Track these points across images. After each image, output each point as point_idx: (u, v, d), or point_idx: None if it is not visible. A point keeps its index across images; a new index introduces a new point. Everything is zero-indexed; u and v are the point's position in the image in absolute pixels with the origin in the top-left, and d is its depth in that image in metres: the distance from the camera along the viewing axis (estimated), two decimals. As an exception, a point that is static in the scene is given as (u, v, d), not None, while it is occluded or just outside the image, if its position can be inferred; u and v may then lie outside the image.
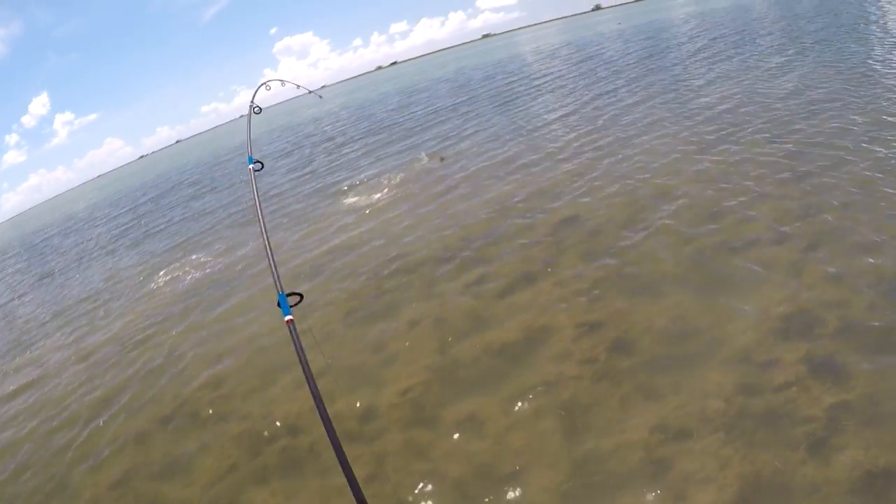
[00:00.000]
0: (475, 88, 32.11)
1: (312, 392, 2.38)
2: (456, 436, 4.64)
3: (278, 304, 2.91)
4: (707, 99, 13.56)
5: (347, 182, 15.39)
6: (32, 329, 12.21)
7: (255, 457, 5.22)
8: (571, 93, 20.11)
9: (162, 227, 19.49)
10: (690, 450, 3.86)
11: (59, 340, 10.57)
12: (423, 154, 15.84)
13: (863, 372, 4.10)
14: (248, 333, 7.74)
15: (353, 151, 20.95)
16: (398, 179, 13.84)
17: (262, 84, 5.36)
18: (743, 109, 11.79)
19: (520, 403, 4.77)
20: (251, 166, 4.29)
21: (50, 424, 7.16)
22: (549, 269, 6.94)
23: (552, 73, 29.34)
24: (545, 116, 17.02)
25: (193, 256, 13.11)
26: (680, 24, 42.46)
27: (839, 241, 5.87)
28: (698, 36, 29.66)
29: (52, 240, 32.26)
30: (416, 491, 4.20)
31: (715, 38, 26.14)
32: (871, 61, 13.54)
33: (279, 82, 5.81)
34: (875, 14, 21.54)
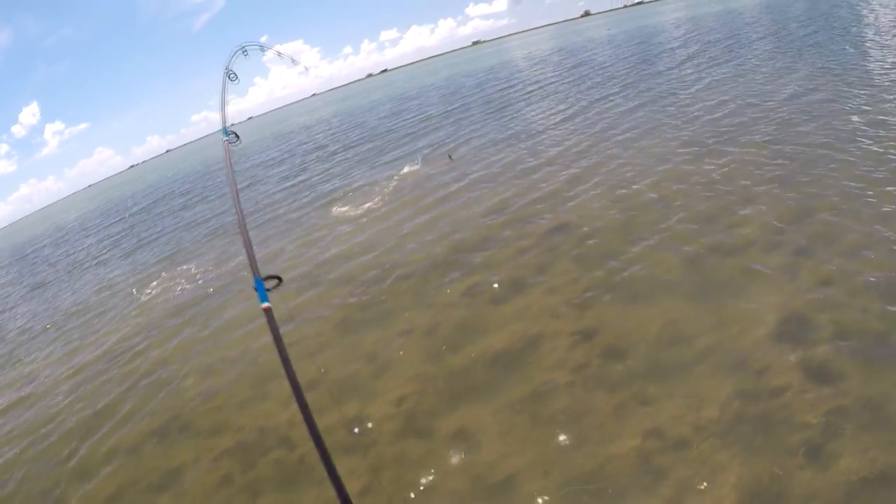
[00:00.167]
0: (467, 95, 32.16)
1: (290, 380, 2.34)
2: (450, 446, 4.60)
3: (255, 290, 2.80)
4: (699, 104, 13.60)
5: (340, 191, 15.35)
6: (25, 342, 12.09)
7: (249, 469, 5.16)
8: (564, 99, 20.14)
9: (153, 237, 19.40)
10: (686, 457, 3.84)
11: (51, 354, 10.46)
12: (419, 157, 15.84)
13: (858, 376, 4.09)
14: (240, 344, 7.69)
15: (345, 160, 20.91)
16: (391, 187, 13.81)
17: (238, 49, 4.94)
18: (735, 114, 11.84)
19: (514, 412, 4.74)
20: (225, 139, 3.92)
21: (43, 439, 7.08)
22: (541, 277, 6.92)
23: (544, 79, 29.42)
24: (538, 123, 17.04)
25: (185, 267, 13.04)
26: (671, 29, 42.69)
27: (833, 245, 5.88)
28: (690, 41, 29.83)
29: (43, 250, 32.05)
30: (411, 503, 4.16)
31: (707, 43, 26.32)
32: (863, 63, 13.67)
33: (258, 48, 5.36)
34: (866, 17, 21.74)
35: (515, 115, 19.67)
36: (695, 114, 12.67)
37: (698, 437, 3.96)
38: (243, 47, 4.98)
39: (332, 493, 2.46)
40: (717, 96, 13.93)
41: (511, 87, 29.87)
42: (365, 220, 11.68)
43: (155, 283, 12.52)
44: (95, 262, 19.12)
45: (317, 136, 36.88)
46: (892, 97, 10.15)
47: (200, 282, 11.34)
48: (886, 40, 16.34)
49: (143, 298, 11.72)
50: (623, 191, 8.99)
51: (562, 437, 4.35)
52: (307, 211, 14.35)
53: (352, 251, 9.90)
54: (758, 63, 17.38)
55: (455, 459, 4.45)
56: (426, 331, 6.48)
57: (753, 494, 3.49)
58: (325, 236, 11.38)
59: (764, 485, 3.52)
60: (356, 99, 78.66)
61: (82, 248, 24.63)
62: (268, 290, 2.83)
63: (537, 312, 6.15)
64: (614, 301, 5.98)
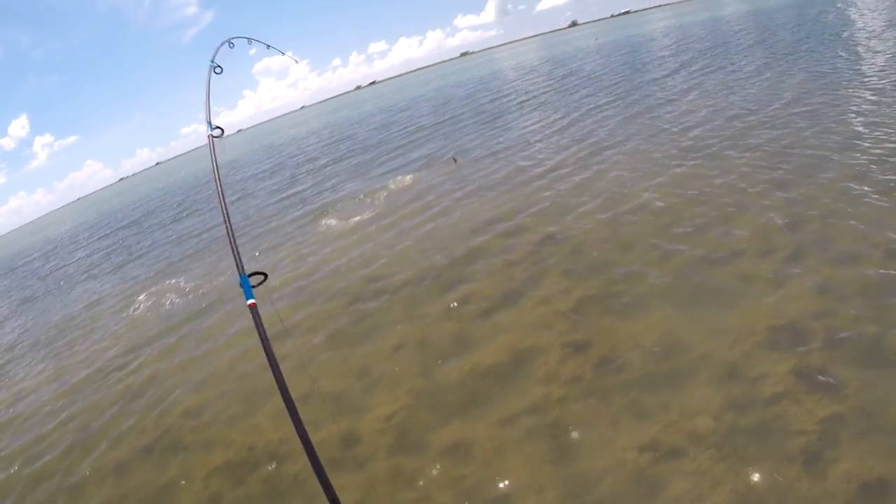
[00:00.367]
0: (457, 107, 32.18)
1: (278, 380, 2.28)
2: (443, 461, 4.54)
3: (241, 286, 2.74)
4: (690, 113, 13.68)
5: (331, 204, 15.27)
6: (14, 358, 11.94)
7: (239, 486, 5.09)
8: (555, 109, 20.17)
9: (144, 250, 19.25)
10: (682, 469, 3.80)
11: (40, 369, 10.33)
12: (415, 168, 15.83)
13: (853, 382, 4.08)
14: (230, 359, 7.61)
15: (336, 172, 20.83)
16: (383, 200, 13.77)
17: (224, 42, 4.80)
18: (722, 123, 11.91)
19: (507, 426, 4.69)
20: (210, 133, 3.76)
21: (31, 457, 6.95)
22: (532, 289, 6.89)
23: (534, 89, 29.53)
24: (528, 133, 17.07)
25: (175, 281, 12.92)
26: (660, 38, 43.06)
27: (823, 251, 5.89)
28: (681, 49, 30.06)
29: (32, 263, 31.77)
30: (404, 519, 4.11)
31: (698, 52, 26.52)
32: (850, 70, 13.82)
33: (245, 40, 5.25)
34: (856, 21, 22.01)
35: (506, 126, 19.70)
36: (687, 123, 12.73)
37: (694, 449, 3.92)
38: (229, 40, 4.94)
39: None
40: (710, 104, 14.03)
41: (501, 97, 29.94)
42: (356, 233, 11.62)
43: (144, 297, 12.39)
44: (85, 275, 18.96)
45: (307, 149, 36.78)
46: (887, 100, 10.25)
47: (191, 296, 11.24)
48: (877, 44, 16.53)
49: (133, 313, 11.60)
50: (614, 200, 8.99)
51: (556, 451, 4.30)
52: (298, 225, 14.26)
53: (342, 265, 9.84)
54: (751, 71, 17.54)
55: (449, 474, 4.39)
56: (418, 344, 6.42)
57: (751, 505, 3.46)
58: (317, 250, 11.31)
59: (761, 495, 3.49)
60: (346, 111, 78.67)
61: (72, 262, 24.42)
62: (253, 286, 2.76)
63: (529, 325, 6.11)
64: (607, 312, 5.95)
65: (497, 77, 49.64)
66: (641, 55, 32.83)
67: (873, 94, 11.03)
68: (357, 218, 12.73)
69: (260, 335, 2.49)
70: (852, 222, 6.26)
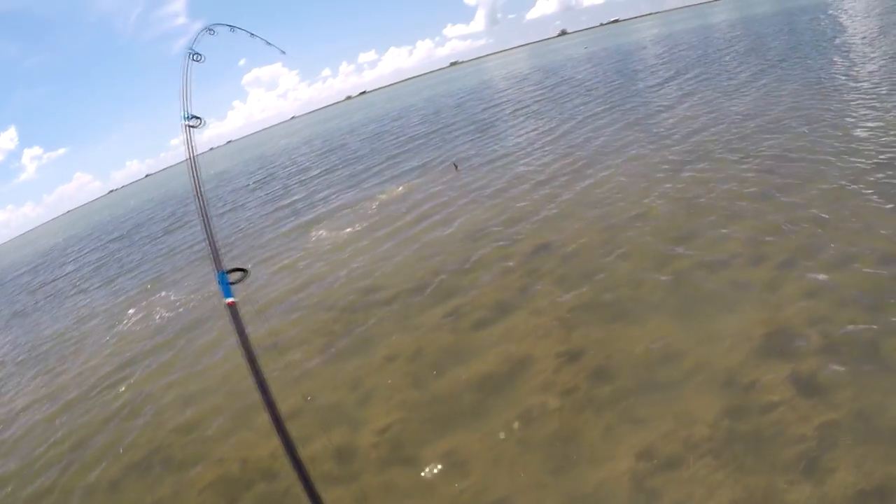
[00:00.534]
0: (448, 116, 32.23)
1: (258, 383, 2.23)
2: (438, 474, 4.49)
3: (219, 285, 2.63)
4: (682, 120, 13.76)
5: (323, 215, 15.25)
6: (5, 376, 11.78)
7: (232, 503, 5.02)
8: (547, 119, 20.22)
9: (134, 264, 19.09)
10: (679, 477, 3.77)
11: (30, 385, 10.19)
12: (410, 177, 15.80)
13: (850, 388, 4.07)
14: (221, 374, 7.53)
15: (327, 183, 20.78)
16: (374, 210, 13.74)
17: (203, 29, 4.39)
18: (716, 129, 11.99)
19: (502, 437, 4.65)
20: (186, 122, 3.50)
21: (22, 475, 6.85)
22: (525, 299, 6.86)
23: (526, 98, 29.64)
24: (520, 142, 17.11)
25: (165, 294, 12.83)
26: (650, 46, 43.35)
27: (816, 256, 5.90)
28: (673, 58, 30.23)
29: (21, 278, 31.49)
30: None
31: (690, 60, 26.67)
32: (838, 75, 13.93)
33: (227, 27, 4.82)
34: (848, 27, 22.21)
35: (498, 135, 19.74)
36: (679, 131, 12.78)
37: (691, 457, 3.89)
38: (210, 27, 4.48)
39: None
40: (708, 111, 14.10)
41: (492, 107, 30.05)
42: (348, 244, 11.56)
43: (134, 312, 12.29)
44: (75, 290, 18.78)
45: (298, 159, 36.74)
46: (883, 105, 10.31)
47: (181, 310, 11.15)
48: (870, 50, 16.68)
49: (123, 327, 11.49)
50: (607, 208, 9.00)
51: (552, 461, 4.25)
52: (290, 236, 14.20)
53: (334, 276, 9.79)
54: (747, 78, 17.65)
55: (444, 487, 4.34)
56: (411, 356, 6.38)
57: (748, 514, 3.43)
58: (308, 261, 11.26)
59: (760, 502, 3.46)
60: (337, 121, 78.72)
61: (62, 276, 24.21)
62: (231, 283, 2.66)
63: (523, 334, 6.08)
64: (600, 320, 5.93)
65: (488, 86, 49.84)
66: (633, 63, 33.06)
67: (870, 99, 11.10)
68: (348, 229, 12.70)
69: (240, 336, 2.40)
70: (843, 227, 6.28)
